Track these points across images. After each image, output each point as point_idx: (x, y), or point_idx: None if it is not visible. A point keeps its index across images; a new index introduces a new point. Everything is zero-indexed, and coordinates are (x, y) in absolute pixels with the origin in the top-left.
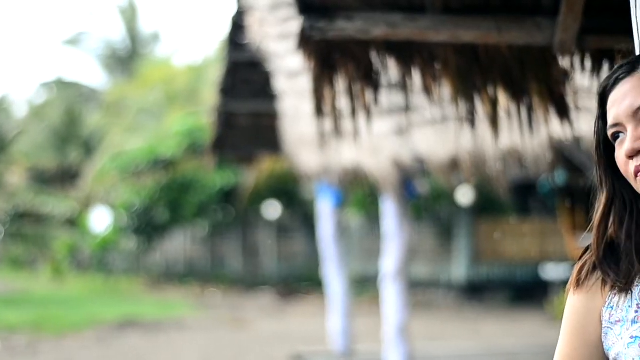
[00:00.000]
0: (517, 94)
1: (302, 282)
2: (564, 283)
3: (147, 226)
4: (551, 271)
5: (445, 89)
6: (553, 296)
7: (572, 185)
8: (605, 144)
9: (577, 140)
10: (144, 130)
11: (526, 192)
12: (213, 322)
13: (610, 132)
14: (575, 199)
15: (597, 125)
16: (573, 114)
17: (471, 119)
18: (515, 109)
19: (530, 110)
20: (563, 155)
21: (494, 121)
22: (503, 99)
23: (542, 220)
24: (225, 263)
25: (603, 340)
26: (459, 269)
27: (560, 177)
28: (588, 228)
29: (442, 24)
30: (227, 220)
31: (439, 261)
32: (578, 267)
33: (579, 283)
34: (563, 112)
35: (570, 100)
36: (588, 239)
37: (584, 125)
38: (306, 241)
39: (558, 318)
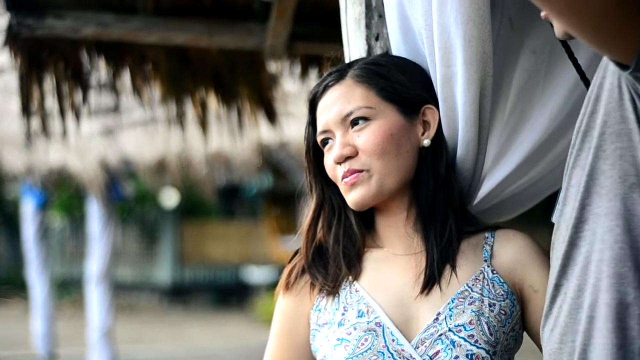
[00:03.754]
0: (227, 98)
1: (3, 285)
2: (266, 286)
3: None
4: (254, 274)
5: (155, 91)
6: (255, 299)
7: (277, 190)
8: (315, 149)
9: (284, 145)
10: None
11: (232, 195)
12: None
13: (319, 138)
14: (279, 203)
15: (307, 132)
16: (281, 119)
17: (180, 121)
18: (225, 113)
19: (239, 114)
20: (270, 159)
21: (203, 124)
22: (213, 102)
23: (246, 224)
24: None
25: (311, 342)
26: (163, 272)
27: (265, 181)
28: (298, 232)
29: (153, 25)
30: None
31: (143, 264)
32: (287, 271)
33: (288, 286)
34: (271, 117)
35: (278, 105)
36: (291, 242)
37: (292, 129)
38: (8, 243)
39: (260, 320)
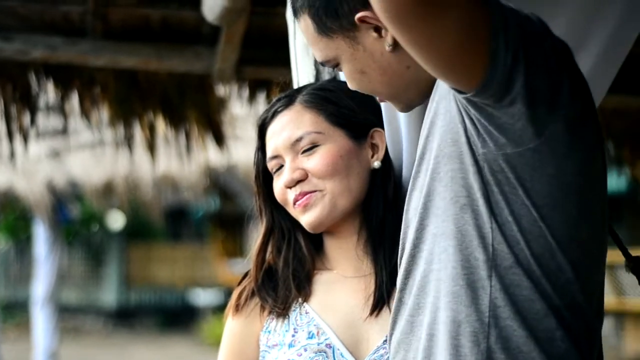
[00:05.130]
0: (176, 121)
1: None
2: (212, 309)
3: None
4: (200, 297)
5: (103, 113)
6: (201, 322)
7: (224, 212)
8: (265, 174)
9: (231, 168)
10: None
11: (179, 218)
12: None
13: (269, 163)
14: (226, 225)
15: (257, 157)
16: (229, 142)
17: (128, 144)
18: (173, 135)
19: (187, 137)
20: (217, 182)
21: (151, 147)
22: (161, 125)
23: (193, 246)
24: None
25: None
26: (109, 295)
27: (212, 203)
28: (246, 256)
29: (102, 49)
30: None
31: (89, 286)
32: (237, 293)
33: (238, 308)
34: (219, 140)
35: (226, 128)
36: (237, 265)
37: (239, 153)
38: None
39: (206, 343)
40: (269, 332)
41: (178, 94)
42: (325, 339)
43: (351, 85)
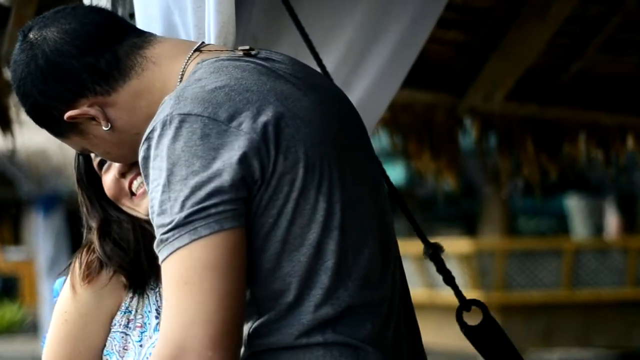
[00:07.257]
0: None
1: None
2: None
3: None
4: None
5: None
6: None
7: (0, 198)
8: (88, 175)
9: (11, 153)
10: None
11: None
12: None
13: (96, 161)
14: (2, 211)
15: (78, 161)
16: (14, 127)
17: None
18: None
19: None
20: None
21: None
22: None
23: None
24: None
25: (108, 343)
26: None
27: None
28: (83, 250)
29: None
30: None
31: None
32: (85, 263)
33: (90, 279)
34: (5, 124)
35: (12, 112)
36: (12, 252)
37: (23, 138)
38: None
39: None
40: (130, 312)
41: None
42: None
43: (112, 161)
